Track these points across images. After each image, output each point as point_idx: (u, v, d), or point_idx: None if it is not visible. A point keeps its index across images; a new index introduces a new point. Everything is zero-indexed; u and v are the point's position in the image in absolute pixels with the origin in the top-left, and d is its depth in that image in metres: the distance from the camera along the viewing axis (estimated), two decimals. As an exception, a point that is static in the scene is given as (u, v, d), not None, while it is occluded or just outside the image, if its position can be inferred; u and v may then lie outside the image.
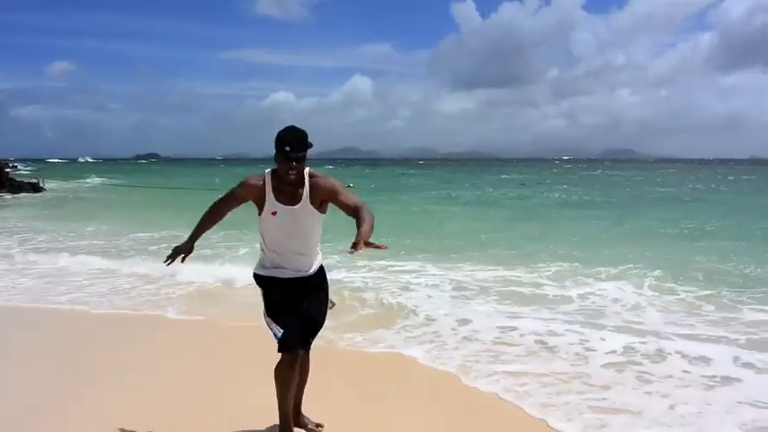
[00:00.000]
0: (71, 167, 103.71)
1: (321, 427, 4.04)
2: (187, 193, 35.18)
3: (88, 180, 54.41)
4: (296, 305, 3.70)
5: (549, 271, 10.20)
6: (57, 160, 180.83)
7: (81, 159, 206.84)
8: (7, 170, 38.51)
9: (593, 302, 8.09)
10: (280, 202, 3.59)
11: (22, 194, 32.85)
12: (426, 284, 9.17)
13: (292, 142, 3.47)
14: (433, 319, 7.14)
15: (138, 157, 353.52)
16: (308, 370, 3.98)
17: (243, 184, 3.69)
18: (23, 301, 8.32)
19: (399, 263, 10.99)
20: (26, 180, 39.01)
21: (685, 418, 4.45)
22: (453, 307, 7.80)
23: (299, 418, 3.98)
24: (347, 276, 9.51)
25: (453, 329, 6.75)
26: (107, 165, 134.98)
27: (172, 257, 3.79)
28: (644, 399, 4.80)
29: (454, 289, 8.93)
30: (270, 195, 3.60)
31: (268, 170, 3.66)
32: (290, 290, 3.70)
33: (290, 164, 3.48)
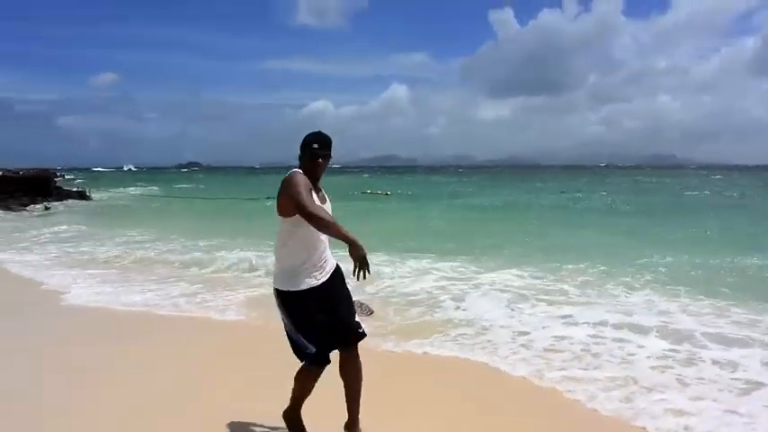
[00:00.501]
0: (116, 176, 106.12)
1: None
2: (229, 202, 35.81)
3: (131, 189, 55.56)
4: (332, 311, 3.71)
5: (585, 278, 10.20)
6: (102, 169, 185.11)
7: (125, 168, 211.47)
8: (56, 179, 39.73)
9: (628, 308, 8.02)
10: (318, 200, 3.68)
11: (71, 202, 33.70)
12: (469, 290, 9.25)
13: (319, 141, 3.72)
14: (487, 327, 7.17)
15: (181, 166, 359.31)
16: (360, 375, 3.88)
17: (297, 181, 3.54)
18: (102, 303, 8.74)
19: (437, 265, 11.32)
20: (73, 189, 40.15)
21: (745, 420, 4.53)
22: (500, 312, 7.93)
23: None
24: (389, 282, 9.84)
25: (510, 336, 6.81)
26: (151, 173, 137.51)
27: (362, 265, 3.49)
28: (698, 403, 4.83)
29: (497, 292, 9.06)
30: (313, 192, 3.65)
31: (296, 170, 3.69)
32: (325, 295, 3.71)
33: (317, 160, 3.70)
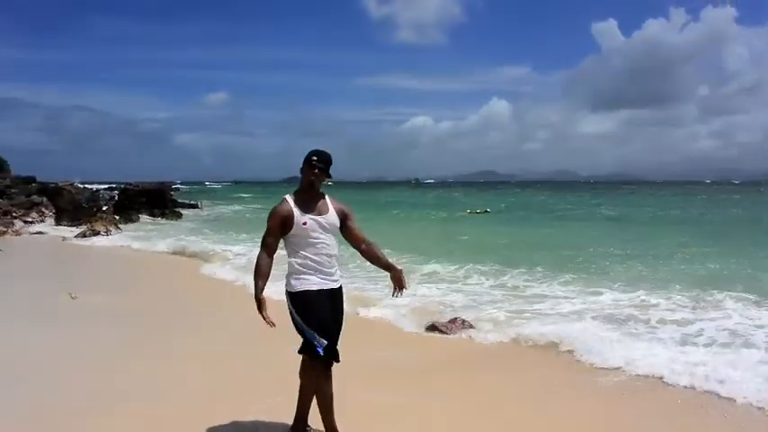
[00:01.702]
0: (225, 190, 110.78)
1: None
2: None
3: (235, 204, 57.76)
4: (335, 317, 4.20)
5: (693, 298, 9.89)
6: (212, 183, 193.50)
7: (234, 182, 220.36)
8: (171, 192, 42.32)
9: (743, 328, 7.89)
10: (308, 213, 4.13)
11: (185, 213, 35.75)
12: (588, 311, 9.03)
13: (318, 155, 4.18)
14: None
15: (286, 180, 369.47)
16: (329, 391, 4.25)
17: (273, 216, 4.14)
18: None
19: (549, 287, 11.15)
20: (186, 201, 42.65)
21: None
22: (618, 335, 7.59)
23: None
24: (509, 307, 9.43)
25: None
26: (258, 187, 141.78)
27: (266, 319, 4.11)
28: None
29: (615, 312, 8.85)
30: (297, 211, 4.11)
31: (287, 195, 4.21)
32: (332, 301, 4.19)
33: (314, 170, 4.15)
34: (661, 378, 6.01)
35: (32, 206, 25.21)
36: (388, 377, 6.19)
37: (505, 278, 12.15)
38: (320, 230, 4.13)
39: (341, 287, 4.32)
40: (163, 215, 32.13)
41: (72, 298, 9.98)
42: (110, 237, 21.74)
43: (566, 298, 10.17)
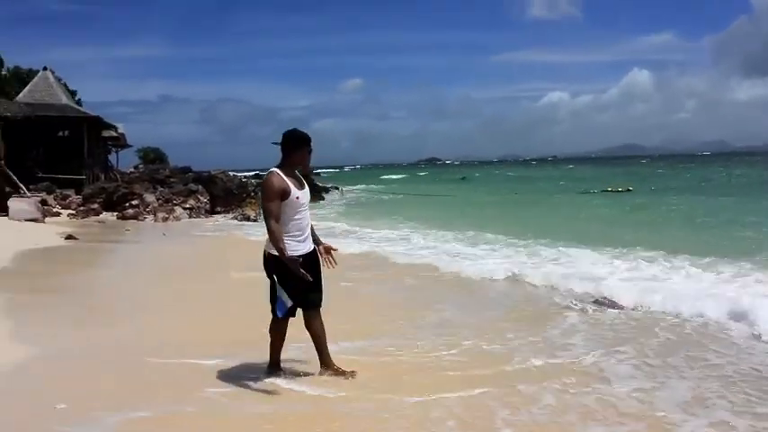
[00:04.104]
0: (364, 174, 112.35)
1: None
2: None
3: (373, 186, 58.51)
4: (314, 277, 4.76)
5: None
6: (349, 167, 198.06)
7: (370, 166, 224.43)
8: (312, 176, 43.88)
9: None
10: (296, 188, 4.76)
11: (328, 197, 37.09)
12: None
13: (310, 143, 4.91)
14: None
15: (420, 161, 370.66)
16: (322, 329, 5.00)
17: (274, 188, 4.67)
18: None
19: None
20: (328, 185, 44.05)
21: None
22: None
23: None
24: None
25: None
26: (397, 169, 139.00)
27: (305, 275, 4.63)
28: None
29: None
30: (290, 185, 4.74)
31: (274, 168, 4.77)
32: (311, 264, 4.84)
33: (309, 155, 4.91)
34: None
35: (189, 194, 26.95)
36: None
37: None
38: (304, 203, 4.85)
39: (314, 249, 5.00)
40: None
41: (232, 277, 10.55)
42: (259, 221, 22.83)
43: None
